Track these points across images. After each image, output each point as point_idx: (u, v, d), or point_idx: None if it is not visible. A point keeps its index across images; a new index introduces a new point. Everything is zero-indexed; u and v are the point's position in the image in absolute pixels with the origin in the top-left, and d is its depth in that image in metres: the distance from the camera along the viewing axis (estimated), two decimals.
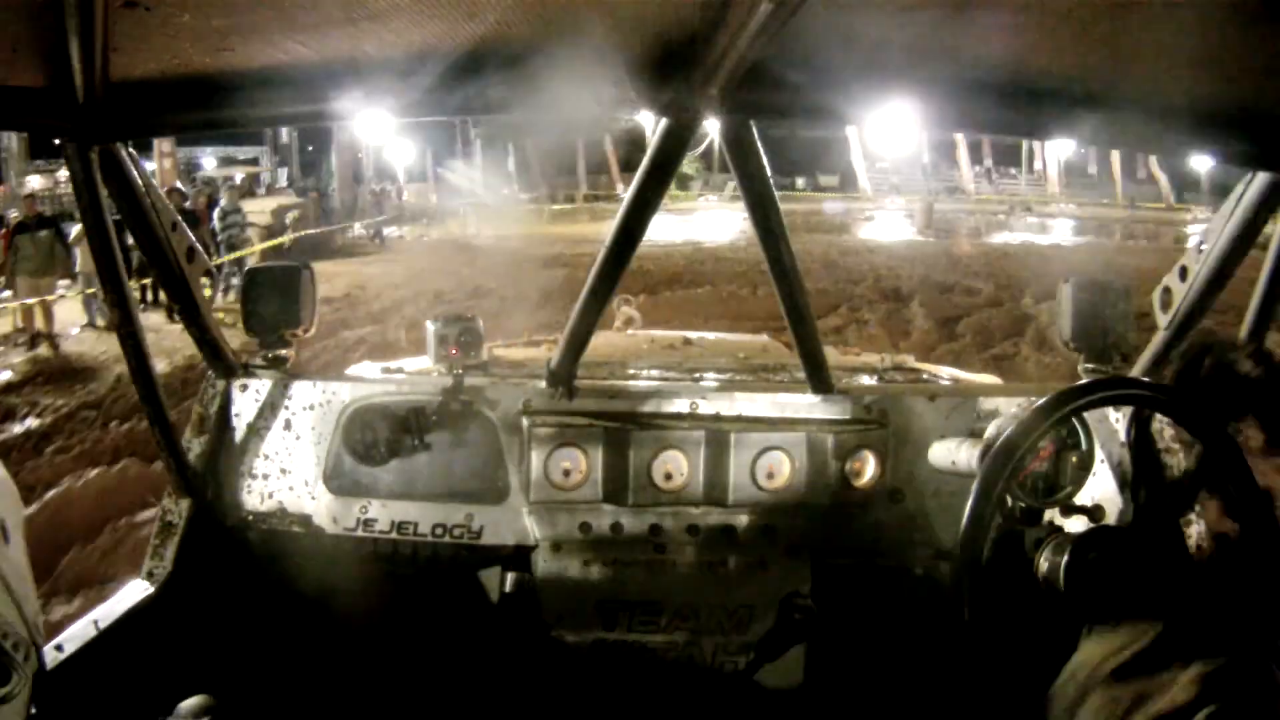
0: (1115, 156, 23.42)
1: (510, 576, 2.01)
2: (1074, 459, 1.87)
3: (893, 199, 22.31)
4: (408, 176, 27.68)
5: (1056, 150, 22.85)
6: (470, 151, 26.00)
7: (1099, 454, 1.93)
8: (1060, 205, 22.53)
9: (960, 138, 21.99)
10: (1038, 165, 24.08)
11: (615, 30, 1.27)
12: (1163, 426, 1.98)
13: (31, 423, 6.60)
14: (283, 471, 1.99)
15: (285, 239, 16.05)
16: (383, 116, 1.51)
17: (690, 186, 25.08)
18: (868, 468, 1.94)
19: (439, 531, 1.97)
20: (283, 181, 27.83)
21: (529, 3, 1.23)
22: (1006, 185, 24.40)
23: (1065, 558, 1.43)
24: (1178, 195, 22.80)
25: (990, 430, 1.83)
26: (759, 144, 1.57)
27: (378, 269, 15.10)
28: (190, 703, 1.53)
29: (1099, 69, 1.33)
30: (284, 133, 27.57)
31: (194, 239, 1.85)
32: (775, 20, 1.07)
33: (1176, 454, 1.97)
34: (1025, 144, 23.47)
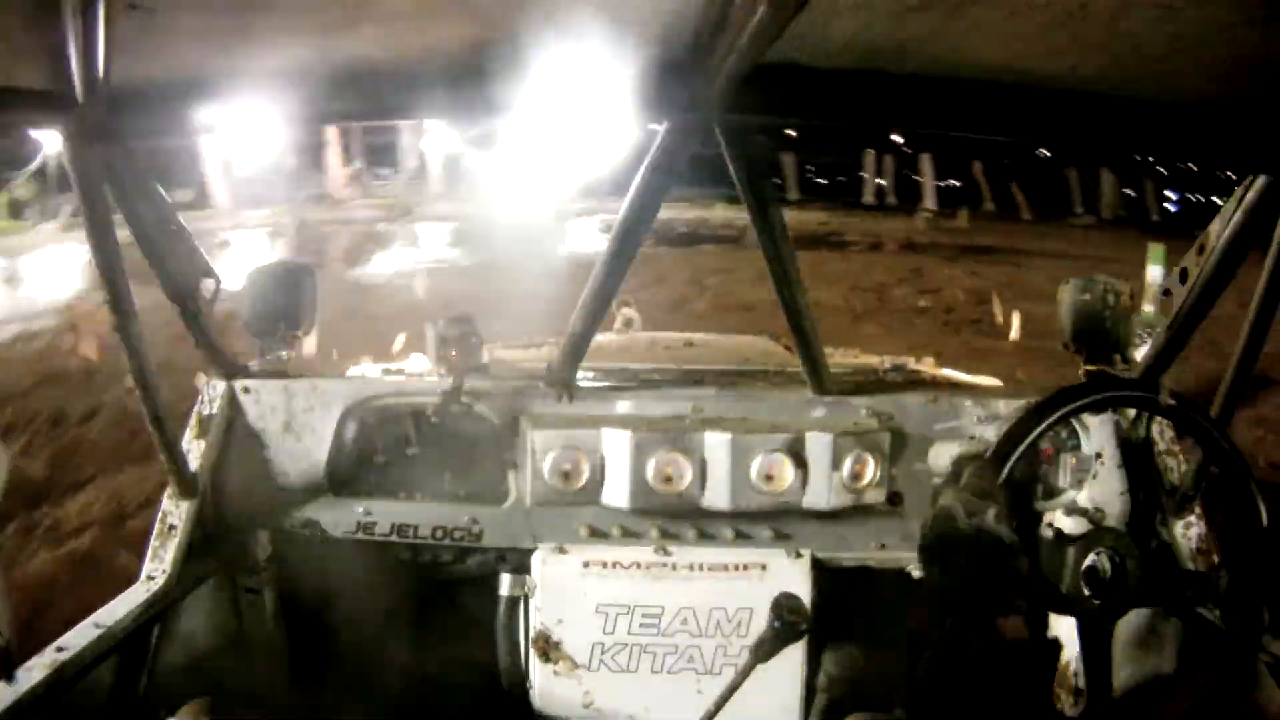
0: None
1: (510, 578, 2.01)
2: (1074, 460, 1.88)
3: (254, 212, 17.64)
4: None
5: (438, 148, 20.08)
6: None
7: (1099, 455, 1.94)
8: (444, 206, 19.06)
9: (331, 137, 18.53)
10: (414, 163, 20.62)
11: (616, 32, 1.27)
12: (1162, 427, 1.98)
13: None
14: (283, 473, 1.99)
15: None
16: (385, 118, 1.52)
17: (25, 215, 17.10)
18: (868, 469, 1.94)
19: (439, 533, 1.97)
20: None
21: (530, 5, 1.23)
22: (381, 187, 20.81)
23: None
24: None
25: (990, 432, 1.84)
26: (758, 146, 1.57)
27: None
28: (189, 706, 1.53)
29: (1098, 70, 1.33)
30: None
31: (195, 241, 1.86)
32: (775, 21, 1.07)
33: (1176, 455, 1.98)
34: (402, 141, 20.48)
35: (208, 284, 1.88)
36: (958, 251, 17.26)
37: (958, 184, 22.90)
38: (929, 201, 21.74)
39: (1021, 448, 1.46)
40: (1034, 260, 17.40)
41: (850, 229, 18.85)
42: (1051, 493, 1.93)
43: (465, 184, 20.37)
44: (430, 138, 20.07)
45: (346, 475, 1.98)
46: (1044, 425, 1.48)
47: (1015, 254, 17.67)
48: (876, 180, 22.68)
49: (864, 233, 19.02)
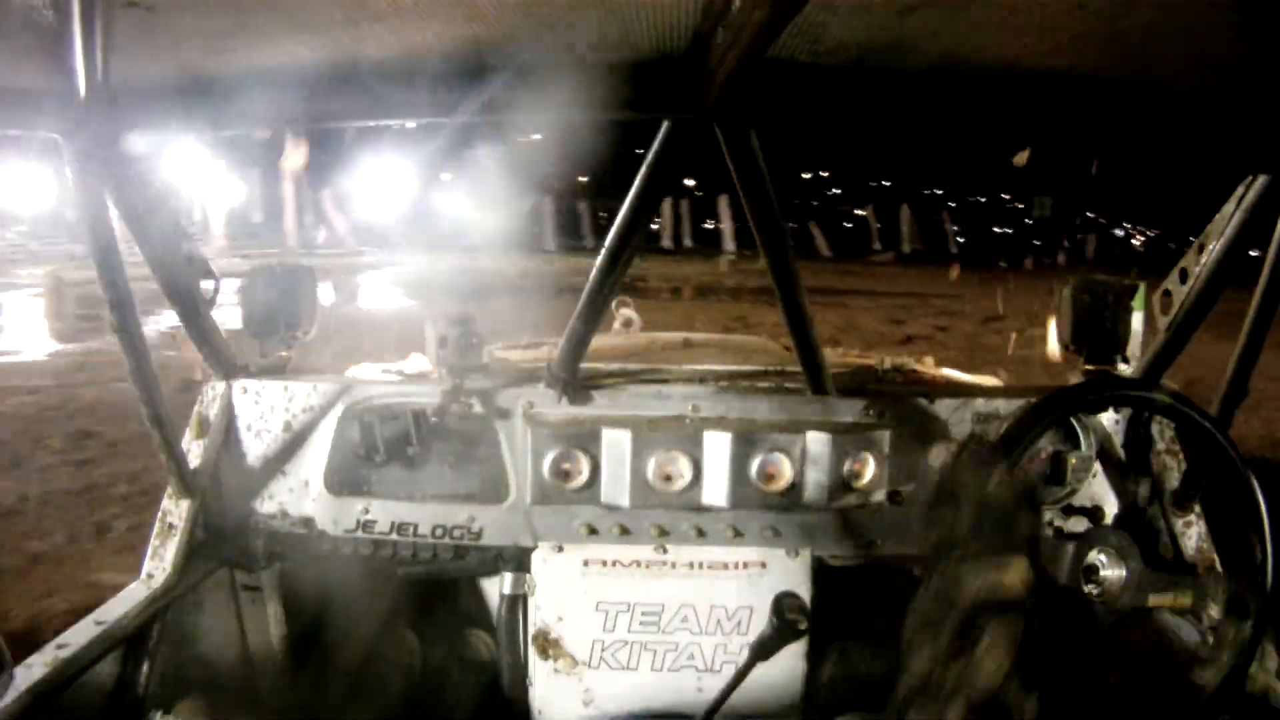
0: (288, 201, 19.82)
1: (510, 577, 2.01)
2: (1073, 459, 1.88)
3: (29, 270, 15.89)
4: None
5: (222, 199, 19.76)
6: None
7: (1099, 454, 1.94)
8: (229, 260, 20.02)
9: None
10: (197, 216, 21.25)
11: (616, 32, 1.27)
12: (1162, 427, 1.99)
13: None
14: (282, 473, 1.99)
15: None
16: (384, 118, 1.51)
17: None
18: (867, 469, 1.94)
19: (439, 532, 1.97)
20: None
21: (530, 4, 1.23)
22: None
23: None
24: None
25: (990, 432, 1.84)
26: (758, 147, 1.57)
27: None
28: (183, 705, 1.53)
29: (1098, 68, 1.33)
30: None
31: (194, 241, 1.86)
32: (776, 21, 1.07)
33: (1176, 454, 1.98)
34: (186, 195, 21.11)
35: (207, 284, 1.88)
36: (771, 294, 16.88)
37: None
38: (729, 243, 22.09)
39: (1021, 448, 1.46)
40: (855, 300, 17.17)
41: (651, 273, 18.71)
42: (1051, 492, 1.93)
43: (249, 236, 20.41)
44: (211, 190, 19.54)
45: (346, 475, 1.99)
46: (1044, 425, 1.48)
47: (832, 294, 17.38)
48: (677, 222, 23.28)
49: (666, 277, 18.73)
